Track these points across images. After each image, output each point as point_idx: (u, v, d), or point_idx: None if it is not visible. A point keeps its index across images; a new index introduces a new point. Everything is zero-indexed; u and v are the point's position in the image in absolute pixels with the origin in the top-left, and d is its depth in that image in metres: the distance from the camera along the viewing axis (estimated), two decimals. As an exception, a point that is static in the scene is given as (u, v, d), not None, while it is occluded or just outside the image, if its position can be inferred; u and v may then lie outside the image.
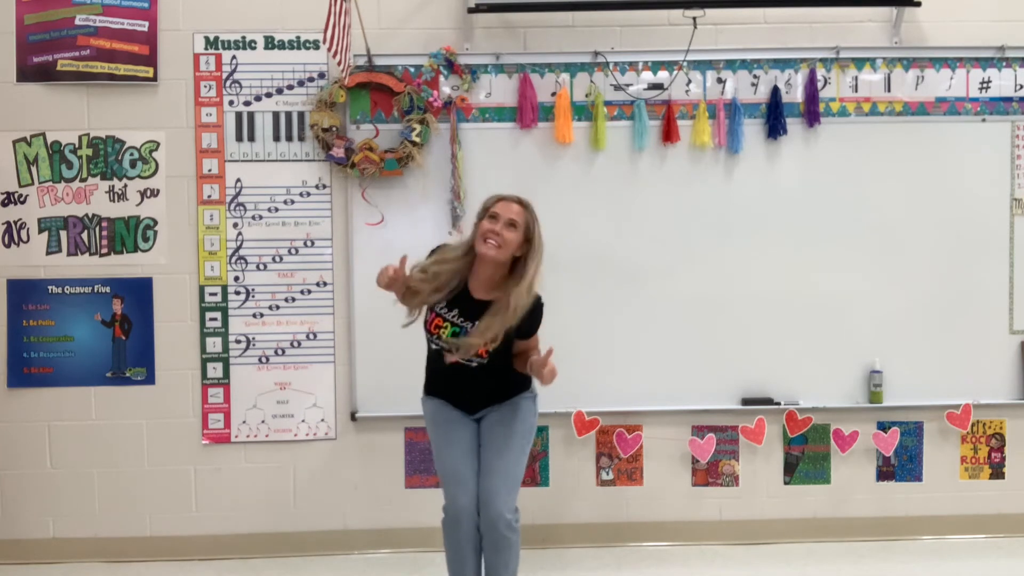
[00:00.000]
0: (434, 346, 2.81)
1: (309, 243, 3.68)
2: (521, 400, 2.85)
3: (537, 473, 3.74)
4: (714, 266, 3.67)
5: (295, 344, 3.68)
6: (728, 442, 3.75)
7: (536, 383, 2.86)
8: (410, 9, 3.66)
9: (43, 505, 3.67)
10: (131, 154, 3.65)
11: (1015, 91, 3.71)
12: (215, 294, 3.66)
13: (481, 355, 2.71)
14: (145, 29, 3.63)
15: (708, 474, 3.77)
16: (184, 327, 3.66)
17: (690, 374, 3.68)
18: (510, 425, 2.80)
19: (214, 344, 3.67)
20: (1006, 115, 3.71)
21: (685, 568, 3.53)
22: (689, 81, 3.67)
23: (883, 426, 3.75)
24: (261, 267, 3.67)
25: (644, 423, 3.72)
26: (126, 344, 3.66)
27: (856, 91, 3.69)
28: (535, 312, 2.75)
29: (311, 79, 3.65)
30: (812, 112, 3.64)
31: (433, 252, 2.87)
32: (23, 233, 3.64)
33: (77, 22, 3.60)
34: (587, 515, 3.74)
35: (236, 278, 3.67)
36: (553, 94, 3.63)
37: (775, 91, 3.64)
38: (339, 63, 3.09)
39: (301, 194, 3.67)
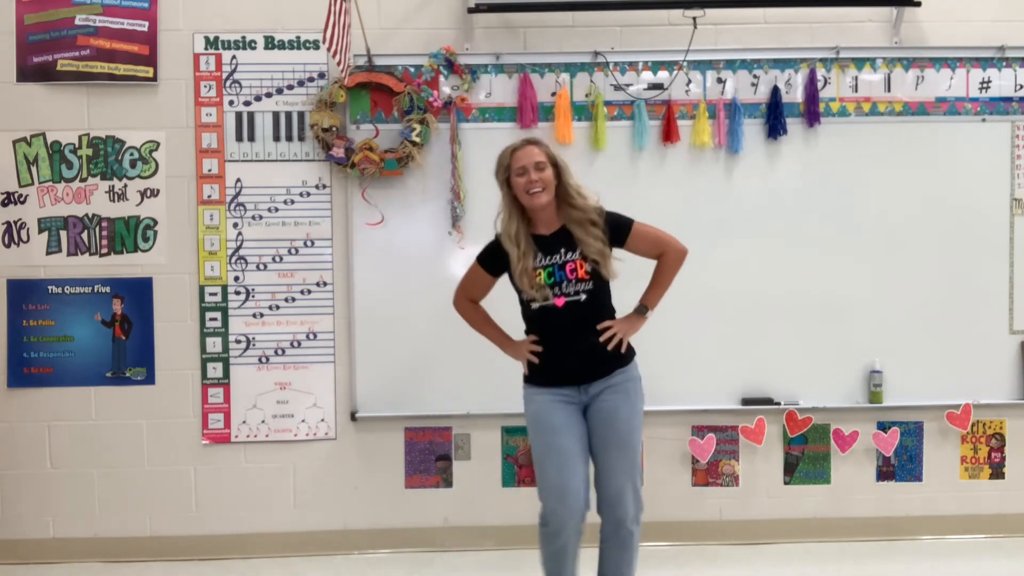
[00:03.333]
0: (536, 305, 2.73)
1: (309, 243, 3.68)
2: (629, 383, 2.78)
3: (537, 473, 3.73)
4: (714, 266, 3.67)
5: (295, 344, 3.68)
6: (728, 442, 3.75)
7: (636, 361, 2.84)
8: (410, 9, 3.66)
9: (43, 505, 3.67)
10: (131, 154, 3.65)
11: (1015, 91, 3.71)
12: (215, 294, 3.66)
13: (583, 277, 2.69)
14: (145, 29, 3.63)
15: (708, 474, 3.77)
16: (184, 327, 3.66)
17: (690, 374, 3.68)
18: (626, 418, 2.73)
19: (214, 344, 3.67)
20: (1006, 115, 3.71)
21: (685, 568, 3.53)
22: (689, 81, 3.67)
23: (883, 426, 3.75)
24: (261, 267, 3.67)
25: (644, 423, 3.70)
26: (126, 344, 3.66)
27: (856, 91, 3.69)
28: (610, 218, 2.77)
29: (311, 79, 3.65)
30: (812, 112, 3.64)
31: (492, 248, 2.82)
32: (23, 233, 3.64)
33: (77, 22, 3.60)
34: (587, 515, 3.73)
35: (236, 278, 3.67)
36: (553, 94, 3.64)
37: (775, 91, 3.64)
38: (339, 63, 3.09)
39: (301, 194, 3.67)
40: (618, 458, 2.72)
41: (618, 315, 2.84)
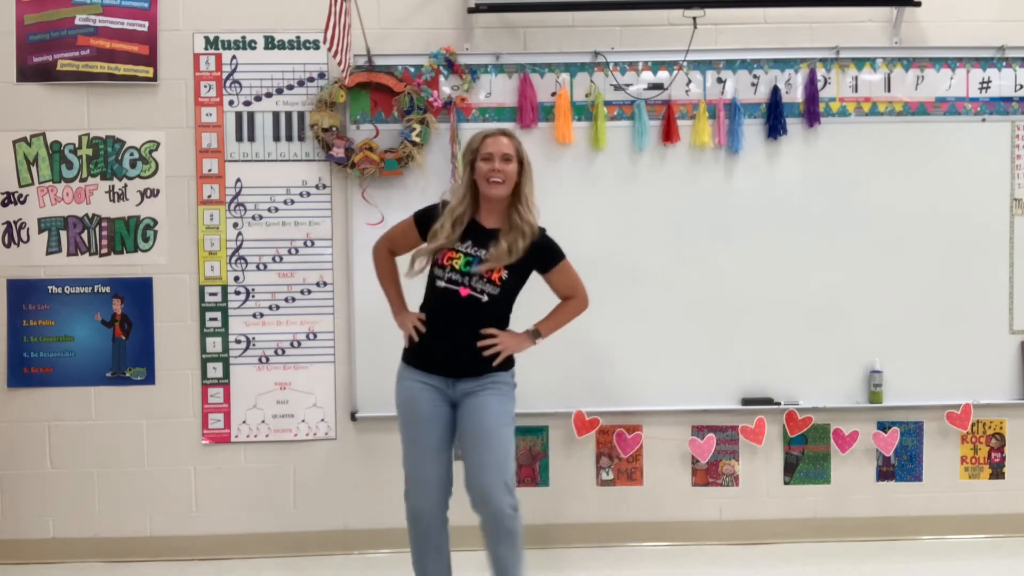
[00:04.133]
0: (441, 283, 2.77)
1: (309, 243, 3.68)
2: (502, 385, 2.82)
3: (537, 473, 3.74)
4: (714, 266, 3.67)
5: (295, 344, 3.68)
6: (728, 442, 3.75)
7: (515, 372, 2.89)
8: (410, 9, 3.66)
9: (43, 505, 3.67)
10: (131, 154, 3.65)
11: (1015, 91, 3.71)
12: (215, 294, 3.66)
13: (495, 281, 2.74)
14: (145, 29, 3.63)
15: (708, 474, 3.77)
16: (184, 327, 3.66)
17: (690, 374, 3.68)
18: (495, 414, 2.76)
19: (214, 344, 3.67)
20: (1006, 115, 3.71)
21: (685, 568, 3.53)
22: (689, 81, 3.67)
23: (883, 426, 3.75)
24: (261, 267, 3.67)
25: (644, 423, 3.73)
26: (126, 344, 3.66)
27: (856, 91, 3.69)
28: (545, 243, 2.84)
29: (311, 79, 3.65)
30: (812, 112, 3.64)
31: (431, 211, 2.87)
32: (23, 233, 3.64)
33: (77, 22, 3.60)
34: (587, 515, 3.74)
35: (236, 278, 3.67)
36: (553, 94, 3.64)
37: (775, 91, 3.64)
38: (339, 63, 3.09)
39: (301, 194, 3.67)
40: (487, 452, 2.74)
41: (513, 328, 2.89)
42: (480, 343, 2.77)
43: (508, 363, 2.86)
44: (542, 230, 2.85)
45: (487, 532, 2.76)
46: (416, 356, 2.85)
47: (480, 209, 2.84)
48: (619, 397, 3.68)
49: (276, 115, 3.66)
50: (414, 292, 2.94)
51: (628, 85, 3.66)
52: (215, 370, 3.67)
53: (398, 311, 2.97)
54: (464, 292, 2.75)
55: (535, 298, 2.93)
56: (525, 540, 3.59)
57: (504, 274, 2.75)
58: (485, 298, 2.76)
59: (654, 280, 3.67)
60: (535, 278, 2.90)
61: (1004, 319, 3.73)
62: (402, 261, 2.97)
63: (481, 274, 2.74)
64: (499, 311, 2.82)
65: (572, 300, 2.94)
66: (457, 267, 2.75)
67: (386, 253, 3.00)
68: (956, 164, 3.70)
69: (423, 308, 2.88)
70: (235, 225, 3.66)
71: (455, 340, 2.78)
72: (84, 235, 3.65)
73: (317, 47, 3.64)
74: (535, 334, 2.90)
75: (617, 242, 3.65)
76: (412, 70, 3.62)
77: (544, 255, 2.85)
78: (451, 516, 2.88)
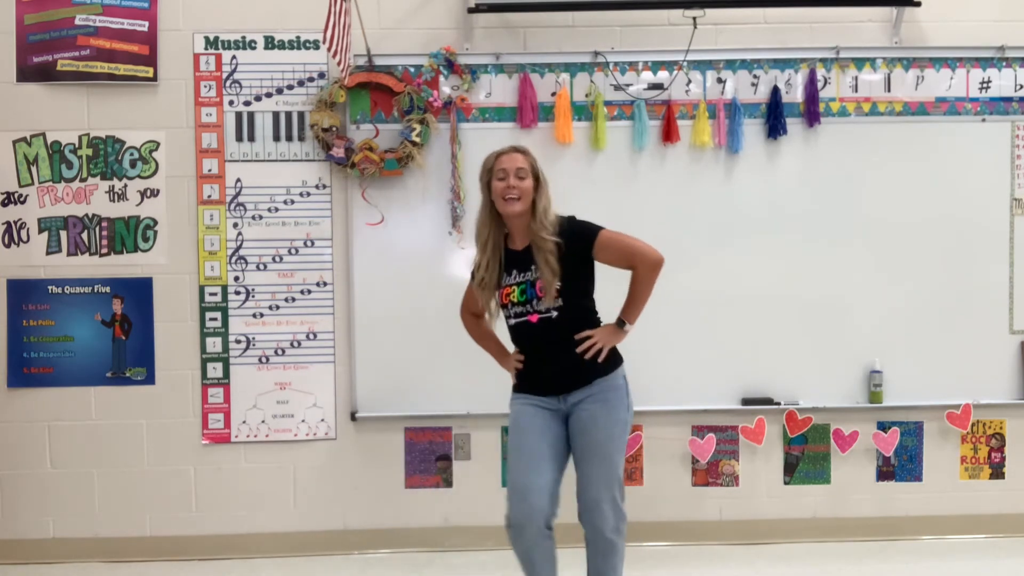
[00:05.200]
0: (512, 321, 2.76)
1: (309, 243, 3.68)
2: (609, 393, 2.75)
3: (537, 473, 3.73)
4: (714, 266, 3.67)
5: (295, 344, 3.68)
6: (728, 442, 3.75)
7: (624, 365, 2.82)
8: (410, 9, 3.66)
9: (43, 505, 3.67)
10: (131, 154, 3.65)
11: (1015, 91, 3.71)
12: (215, 294, 3.66)
13: (556, 296, 2.69)
14: (145, 29, 3.63)
15: (708, 474, 3.77)
16: (184, 327, 3.66)
17: (690, 374, 3.68)
18: (603, 426, 2.72)
19: (214, 344, 3.67)
20: (1006, 115, 3.71)
21: (685, 568, 3.53)
22: (689, 81, 3.67)
23: (883, 426, 3.75)
24: (261, 267, 3.67)
25: (644, 423, 3.72)
26: (126, 344, 3.66)
27: (856, 91, 3.69)
28: (573, 229, 2.73)
29: (311, 79, 3.65)
30: (812, 112, 3.64)
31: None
32: (23, 233, 3.64)
33: (77, 22, 3.60)
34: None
35: (236, 278, 3.67)
36: (553, 94, 3.64)
37: (775, 91, 3.64)
38: (339, 63, 3.09)
39: (301, 194, 3.67)
40: (595, 467, 2.71)
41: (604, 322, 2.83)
42: (579, 348, 2.72)
43: (615, 362, 2.80)
44: (565, 220, 2.74)
45: (588, 544, 2.76)
46: (525, 384, 2.82)
47: (510, 234, 2.79)
48: (619, 397, 3.67)
49: (276, 115, 3.66)
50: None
51: (628, 85, 3.66)
52: (215, 370, 3.67)
53: (501, 358, 2.93)
54: (534, 319, 2.72)
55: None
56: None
57: (558, 285, 2.69)
58: (554, 314, 2.71)
59: (654, 280, 3.66)
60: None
61: (1004, 319, 3.73)
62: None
63: (538, 296, 2.69)
64: (576, 316, 2.75)
65: (637, 269, 2.76)
66: (516, 300, 2.73)
67: (471, 318, 2.96)
68: (956, 164, 3.70)
69: (513, 343, 2.86)
70: (235, 225, 3.66)
71: (550, 362, 2.75)
72: (84, 235, 3.65)
73: (317, 47, 3.64)
74: (621, 323, 2.81)
75: (617, 242, 3.65)
76: (412, 70, 3.62)
77: (576, 243, 2.72)
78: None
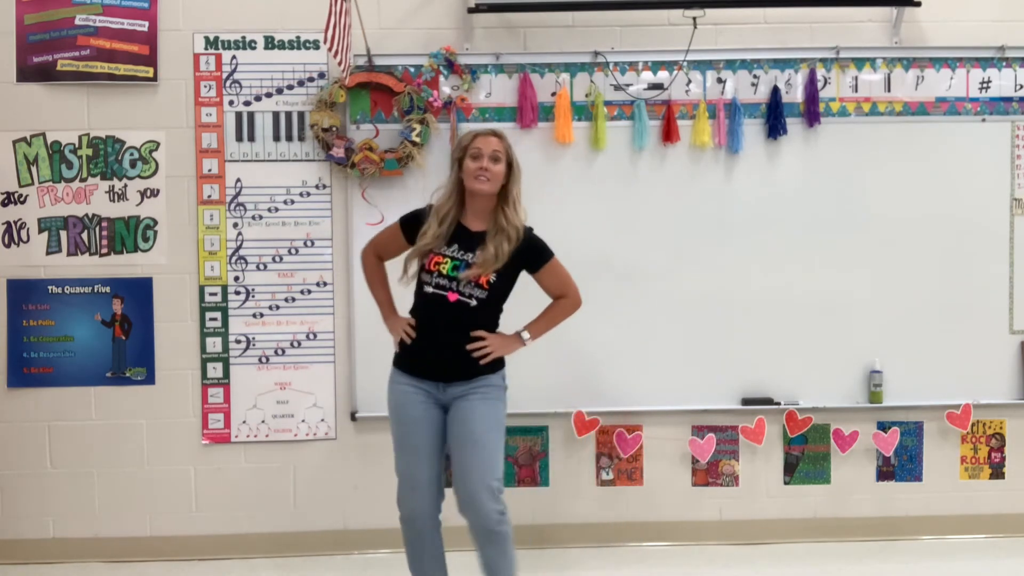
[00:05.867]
0: (429, 288, 2.77)
1: (309, 243, 3.68)
2: (492, 389, 2.81)
3: (537, 473, 3.74)
4: (714, 266, 3.67)
5: (295, 344, 3.68)
6: (728, 442, 3.75)
7: (506, 374, 2.88)
8: (410, 9, 3.66)
9: (43, 505, 3.67)
10: (131, 154, 3.65)
11: (1015, 91, 3.71)
12: (215, 294, 3.66)
13: (483, 285, 2.73)
14: (145, 29, 3.63)
15: (708, 474, 3.77)
16: (184, 327, 3.66)
17: (690, 374, 3.68)
18: (481, 419, 2.76)
19: (214, 344, 3.67)
20: (1006, 115, 3.71)
21: (685, 568, 3.53)
22: (689, 81, 3.67)
23: (883, 426, 3.75)
24: (261, 267, 3.67)
25: (644, 423, 3.73)
26: (126, 344, 3.66)
27: (856, 91, 3.69)
28: (532, 242, 2.83)
29: (311, 79, 3.65)
30: (812, 112, 3.64)
31: (417, 216, 2.86)
32: (23, 233, 3.64)
33: (77, 22, 3.60)
34: (587, 515, 3.74)
35: (236, 278, 3.67)
36: (553, 94, 3.64)
37: (775, 91, 3.64)
38: (339, 63, 3.09)
39: (301, 194, 3.67)
40: (472, 457, 2.73)
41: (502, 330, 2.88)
42: (469, 346, 2.77)
43: (498, 365, 2.85)
44: (528, 230, 2.83)
45: (475, 536, 2.76)
46: (406, 361, 2.85)
47: (466, 211, 2.83)
48: (619, 397, 3.68)
49: (276, 115, 3.66)
50: (406, 298, 2.92)
51: (628, 85, 3.66)
52: (215, 370, 3.67)
53: (388, 316, 2.95)
54: (452, 297, 2.75)
55: (530, 296, 2.91)
56: (526, 540, 3.60)
57: (492, 277, 2.74)
58: (473, 302, 2.75)
59: (654, 280, 3.67)
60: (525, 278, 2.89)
61: (1004, 319, 3.73)
62: (392, 267, 2.96)
63: (469, 279, 2.73)
64: (488, 314, 2.82)
65: (563, 300, 2.90)
66: (444, 272, 2.75)
67: (374, 259, 2.98)
68: (956, 164, 3.70)
69: (412, 313, 2.87)
70: (235, 225, 3.66)
71: (444, 344, 2.78)
72: (84, 235, 3.65)
73: (317, 47, 3.64)
74: (524, 335, 2.89)
75: (617, 242, 3.65)
76: (412, 70, 3.62)
77: (532, 255, 2.83)
78: (445, 518, 2.88)
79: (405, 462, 2.82)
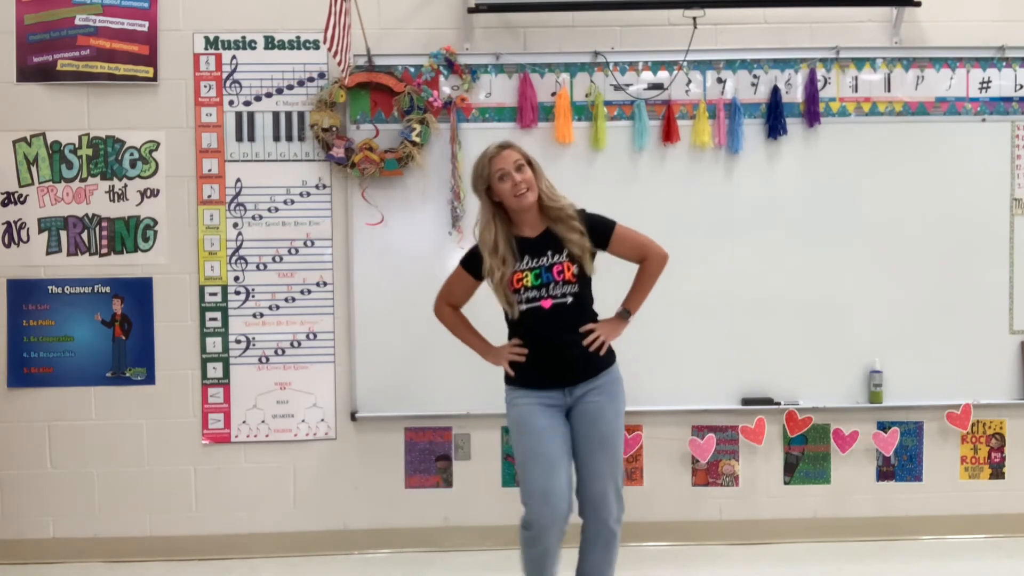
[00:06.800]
0: (524, 306, 2.72)
1: (309, 243, 3.68)
2: (612, 385, 2.78)
3: (537, 473, 3.73)
4: (714, 266, 3.67)
5: (295, 344, 3.68)
6: (728, 442, 3.75)
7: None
8: (410, 9, 3.66)
9: (43, 505, 3.67)
10: (131, 154, 3.65)
11: (1015, 91, 3.71)
12: (215, 294, 3.66)
13: (570, 280, 2.71)
14: (145, 29, 3.63)
15: (708, 474, 3.77)
16: (184, 327, 3.66)
17: (690, 374, 3.68)
18: (611, 419, 2.74)
19: (214, 344, 3.67)
20: (1006, 115, 3.71)
21: (685, 568, 3.53)
22: (689, 81, 3.67)
23: (883, 426, 3.75)
24: (261, 267, 3.67)
25: (644, 423, 3.73)
26: (126, 344, 3.66)
27: (856, 91, 3.69)
28: (592, 221, 2.79)
29: (311, 79, 3.65)
30: (812, 112, 3.64)
31: (476, 253, 2.80)
32: (23, 233, 3.64)
33: (77, 22, 3.60)
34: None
35: (236, 278, 3.67)
36: (553, 94, 3.64)
37: (775, 91, 3.64)
38: (339, 63, 3.09)
39: (301, 194, 3.67)
40: (602, 459, 2.72)
41: (600, 318, 2.85)
42: (585, 341, 2.74)
43: (614, 355, 2.83)
44: (581, 210, 2.79)
45: (590, 539, 2.75)
46: (528, 377, 2.77)
47: (516, 225, 2.78)
48: (619, 397, 3.67)
49: (276, 115, 3.66)
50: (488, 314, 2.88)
51: (628, 85, 3.66)
52: (215, 370, 3.67)
53: (487, 352, 2.90)
54: (547, 304, 2.72)
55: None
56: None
57: (575, 268, 2.72)
58: (569, 299, 2.72)
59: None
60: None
61: (1004, 319, 3.73)
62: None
63: (555, 279, 2.70)
64: (586, 305, 2.79)
65: (647, 261, 2.85)
66: (529, 284, 2.71)
67: (450, 310, 2.92)
68: (956, 164, 3.70)
69: (512, 336, 2.82)
70: (235, 225, 3.66)
71: (559, 349, 2.74)
72: (84, 235, 3.65)
73: (317, 47, 3.64)
74: (625, 314, 2.86)
75: (617, 242, 3.65)
76: (412, 70, 3.62)
77: (597, 231, 2.78)
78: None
79: (539, 474, 2.68)
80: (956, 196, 3.70)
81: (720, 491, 3.77)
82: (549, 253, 2.73)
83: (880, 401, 3.69)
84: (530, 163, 2.77)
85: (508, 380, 2.83)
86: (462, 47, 3.64)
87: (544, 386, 2.76)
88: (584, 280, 2.76)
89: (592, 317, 2.82)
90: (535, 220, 2.78)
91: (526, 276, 2.72)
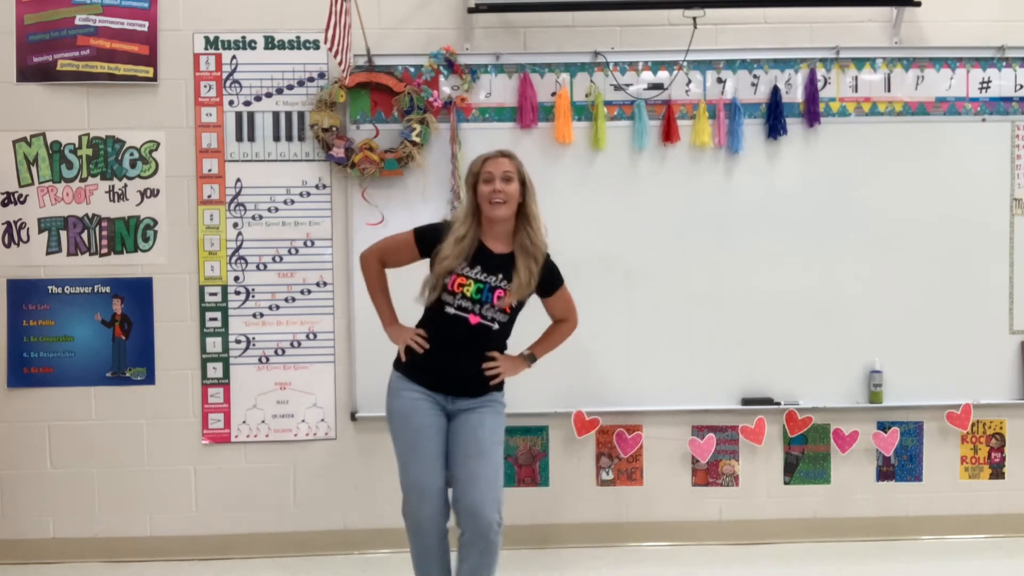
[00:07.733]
0: (451, 310, 2.73)
1: (309, 243, 3.68)
2: (496, 405, 2.83)
3: (537, 473, 3.74)
4: (714, 266, 3.67)
5: (295, 344, 3.68)
6: (728, 442, 3.75)
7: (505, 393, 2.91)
8: (410, 9, 3.66)
9: (43, 505, 3.67)
10: (131, 154, 3.65)
11: (1015, 91, 3.71)
12: (215, 294, 3.66)
13: (506, 310, 2.75)
14: (145, 29, 3.63)
15: (708, 474, 3.77)
16: (184, 327, 3.66)
17: (690, 374, 3.68)
18: (489, 431, 2.77)
19: (214, 344, 3.67)
20: (1006, 115, 3.71)
21: (685, 568, 3.53)
22: (689, 81, 3.67)
23: (883, 426, 3.75)
24: (261, 267, 3.67)
25: (644, 423, 3.73)
26: (126, 344, 3.66)
27: (856, 91, 3.69)
28: (550, 268, 2.84)
29: (311, 79, 3.65)
30: (812, 112, 3.64)
31: (434, 231, 2.81)
32: (23, 233, 3.64)
33: (77, 22, 3.60)
34: (587, 515, 3.74)
35: (236, 278, 3.67)
36: (553, 94, 3.64)
37: (775, 91, 3.64)
38: (339, 63, 3.09)
39: (301, 194, 3.67)
40: (479, 466, 2.72)
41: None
42: (484, 365, 2.78)
43: (502, 384, 2.88)
44: (547, 256, 2.82)
45: (467, 545, 2.73)
46: (416, 371, 2.81)
47: (486, 234, 2.79)
48: (619, 397, 3.68)
49: (276, 115, 3.66)
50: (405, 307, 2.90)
51: (628, 85, 3.66)
52: (215, 370, 3.67)
53: (389, 323, 2.92)
54: (474, 320, 2.73)
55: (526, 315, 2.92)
56: (526, 540, 3.62)
57: (514, 302, 2.75)
58: (495, 326, 2.76)
59: (654, 280, 3.67)
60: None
61: (1004, 319, 3.73)
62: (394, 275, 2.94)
63: (493, 303, 2.72)
64: (504, 336, 2.84)
65: (565, 323, 2.96)
66: (468, 294, 2.72)
67: (377, 265, 2.91)
68: (956, 164, 3.70)
69: (422, 325, 2.84)
70: (235, 225, 3.66)
71: (461, 363, 2.77)
72: (84, 235, 3.65)
73: (317, 47, 3.64)
74: (530, 358, 2.93)
75: (617, 242, 3.66)
76: (412, 70, 3.62)
77: (549, 280, 2.84)
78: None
79: (417, 470, 2.74)
80: (956, 196, 3.70)
81: (720, 491, 3.77)
82: (499, 276, 2.74)
83: (880, 401, 3.69)
84: (523, 181, 2.77)
85: (397, 365, 2.87)
86: (462, 47, 3.64)
87: (432, 387, 2.79)
88: (515, 315, 2.81)
89: (502, 348, 2.86)
90: (504, 237, 2.79)
91: (469, 285, 2.72)
